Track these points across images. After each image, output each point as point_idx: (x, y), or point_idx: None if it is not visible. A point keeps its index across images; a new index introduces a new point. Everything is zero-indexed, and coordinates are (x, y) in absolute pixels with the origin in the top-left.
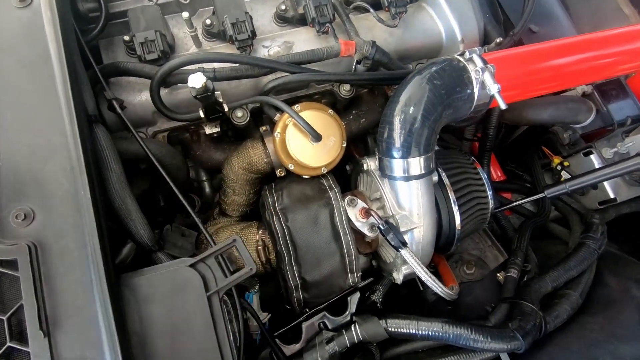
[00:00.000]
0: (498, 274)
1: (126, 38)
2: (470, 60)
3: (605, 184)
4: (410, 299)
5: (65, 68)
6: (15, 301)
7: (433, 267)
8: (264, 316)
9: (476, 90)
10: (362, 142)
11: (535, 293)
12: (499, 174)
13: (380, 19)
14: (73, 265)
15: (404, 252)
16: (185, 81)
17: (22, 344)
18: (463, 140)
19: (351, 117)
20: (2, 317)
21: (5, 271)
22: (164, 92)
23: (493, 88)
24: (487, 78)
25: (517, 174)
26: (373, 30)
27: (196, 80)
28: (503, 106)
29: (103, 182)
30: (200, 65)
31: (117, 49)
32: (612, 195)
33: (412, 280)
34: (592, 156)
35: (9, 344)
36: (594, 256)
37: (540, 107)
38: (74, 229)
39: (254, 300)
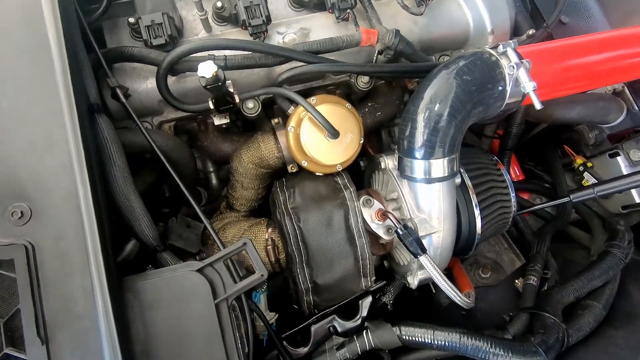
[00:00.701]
0: (516, 281)
1: (131, 20)
2: (504, 54)
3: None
4: (421, 302)
5: (64, 55)
6: (12, 305)
7: (447, 270)
8: (271, 316)
9: (509, 88)
10: (376, 136)
11: (557, 304)
12: (518, 173)
13: (405, 6)
14: (73, 268)
15: (422, 259)
16: (194, 69)
17: (19, 351)
18: (482, 137)
19: (367, 109)
20: None
21: (2, 272)
22: (171, 80)
23: (528, 86)
24: (522, 75)
25: (536, 173)
26: (396, 18)
27: (206, 70)
28: (538, 106)
29: (105, 177)
30: (210, 52)
31: (121, 31)
32: (637, 200)
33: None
34: (618, 158)
35: (5, 350)
36: (619, 266)
37: (568, 106)
38: (73, 230)
39: (262, 300)
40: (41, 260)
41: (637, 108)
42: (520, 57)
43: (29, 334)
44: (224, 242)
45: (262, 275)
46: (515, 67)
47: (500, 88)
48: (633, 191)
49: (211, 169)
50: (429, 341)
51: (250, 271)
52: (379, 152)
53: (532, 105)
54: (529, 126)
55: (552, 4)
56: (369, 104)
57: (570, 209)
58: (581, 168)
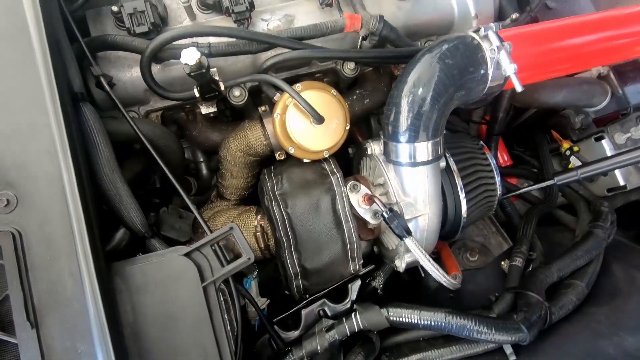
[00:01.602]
0: (502, 262)
1: (114, 8)
2: (486, 37)
3: (616, 170)
4: (411, 285)
5: (44, 40)
6: (1, 291)
7: (436, 254)
8: (263, 302)
9: (490, 71)
10: (365, 123)
11: (541, 283)
12: (506, 158)
13: None
14: (60, 253)
15: (408, 241)
16: (178, 57)
17: (10, 335)
18: (470, 122)
19: (355, 97)
20: None
21: None
22: (155, 68)
23: (509, 69)
24: (503, 57)
25: (524, 158)
26: (380, 3)
27: (189, 56)
28: (519, 88)
29: (92, 166)
30: (194, 39)
31: (105, 20)
32: (622, 183)
33: (414, 267)
34: (603, 142)
35: None
36: (602, 246)
37: (553, 89)
38: (59, 215)
39: (253, 286)
40: (28, 246)
41: (621, 92)
42: (501, 40)
43: (19, 319)
44: (214, 229)
45: (248, 258)
46: (496, 50)
47: (482, 71)
48: (618, 174)
49: (201, 159)
50: (416, 321)
51: (238, 257)
52: (368, 139)
53: (516, 89)
54: (518, 112)
55: None
56: (357, 92)
57: (556, 192)
58: (568, 152)
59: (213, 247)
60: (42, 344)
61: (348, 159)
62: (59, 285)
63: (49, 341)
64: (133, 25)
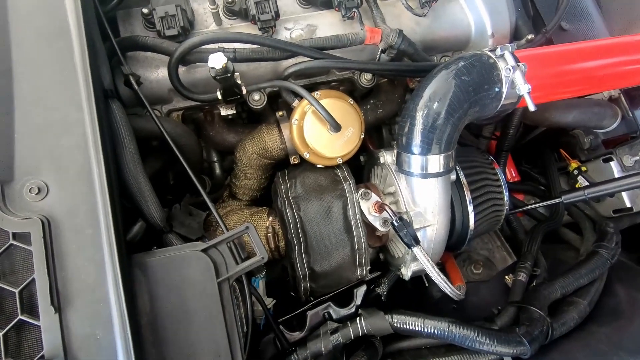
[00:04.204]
0: (506, 277)
1: (145, 11)
2: (502, 57)
3: (623, 192)
4: (415, 294)
5: (84, 40)
6: (27, 275)
7: (441, 265)
8: (269, 302)
9: (505, 89)
10: (377, 132)
11: (544, 299)
12: (514, 174)
13: (409, 7)
14: (86, 243)
15: (416, 250)
16: (204, 60)
17: (33, 318)
18: (480, 137)
19: (369, 106)
20: (14, 290)
21: (18, 244)
22: (181, 70)
23: (523, 88)
24: (518, 77)
25: (532, 175)
26: (400, 18)
27: (217, 61)
28: (532, 108)
29: (117, 160)
30: (220, 44)
31: (134, 21)
32: (628, 205)
33: (418, 276)
34: (612, 163)
35: (20, 317)
36: (606, 266)
37: (564, 110)
38: (87, 206)
39: (260, 285)
40: (56, 234)
41: (631, 115)
42: (517, 60)
43: (44, 303)
44: (227, 228)
45: (262, 257)
46: (511, 69)
47: (496, 89)
48: (624, 196)
49: (215, 159)
50: (419, 329)
51: (251, 256)
52: (379, 148)
53: (528, 108)
54: (527, 129)
55: (554, 11)
56: (371, 101)
57: (562, 210)
58: (575, 172)
59: (229, 245)
60: (64, 329)
61: (359, 167)
62: (83, 273)
63: (70, 326)
64: (163, 28)
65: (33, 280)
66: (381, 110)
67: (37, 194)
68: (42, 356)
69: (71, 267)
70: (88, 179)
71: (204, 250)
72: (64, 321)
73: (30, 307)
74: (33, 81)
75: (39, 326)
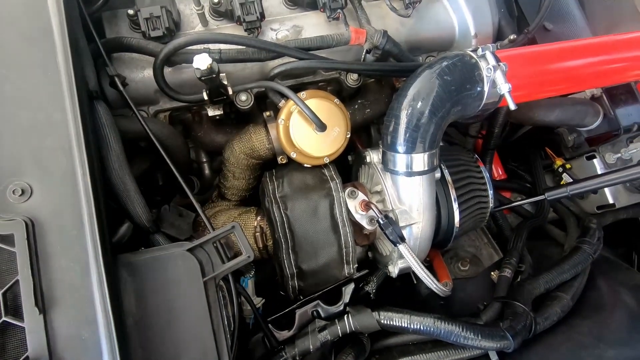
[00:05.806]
0: (492, 273)
1: (130, 12)
2: (483, 57)
3: (605, 189)
4: (403, 291)
5: (67, 41)
6: (11, 277)
7: (428, 262)
8: (258, 301)
9: (486, 89)
10: (365, 132)
11: (528, 294)
12: (500, 172)
13: (393, 8)
14: (70, 244)
15: (401, 248)
16: (190, 61)
17: (18, 319)
18: (467, 136)
19: (356, 106)
20: None
21: (2, 246)
22: (167, 71)
23: (504, 87)
24: (499, 77)
25: (518, 173)
26: (385, 19)
27: (201, 62)
28: (512, 107)
29: (102, 161)
30: (205, 45)
31: (120, 22)
32: (611, 201)
33: (406, 274)
34: (594, 160)
35: (4, 318)
36: (588, 261)
37: (547, 108)
38: (72, 207)
39: (249, 285)
40: (40, 235)
41: (612, 113)
42: (497, 60)
43: (28, 304)
44: (215, 228)
45: (248, 256)
46: (492, 69)
47: (478, 89)
48: (607, 192)
49: (204, 160)
50: (406, 325)
51: (238, 256)
52: (367, 147)
53: (511, 108)
54: (514, 128)
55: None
56: (359, 101)
57: (547, 207)
58: (560, 169)
59: (215, 244)
60: (49, 330)
61: (347, 166)
62: (67, 274)
63: (55, 327)
64: (148, 29)
65: (17, 281)
66: (369, 110)
67: (20, 195)
68: (27, 357)
69: (56, 268)
70: (72, 180)
71: (190, 250)
72: (48, 322)
73: (15, 309)
74: (16, 82)
75: (24, 327)
